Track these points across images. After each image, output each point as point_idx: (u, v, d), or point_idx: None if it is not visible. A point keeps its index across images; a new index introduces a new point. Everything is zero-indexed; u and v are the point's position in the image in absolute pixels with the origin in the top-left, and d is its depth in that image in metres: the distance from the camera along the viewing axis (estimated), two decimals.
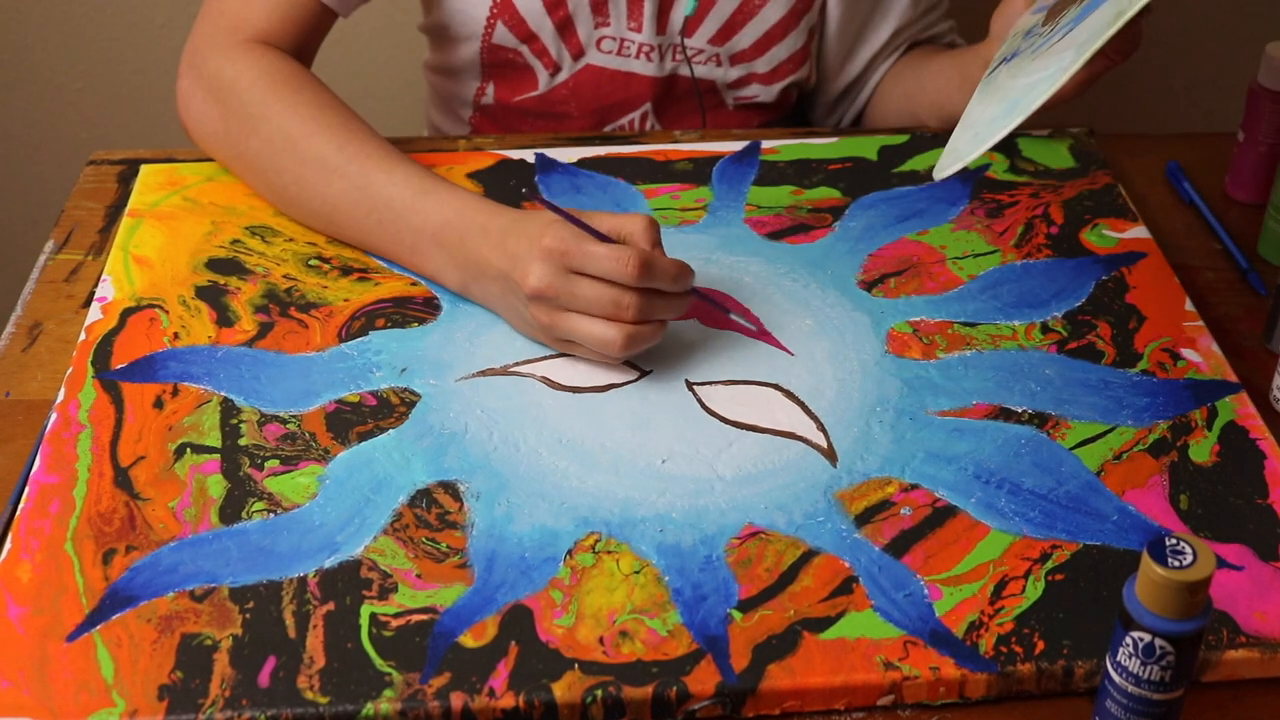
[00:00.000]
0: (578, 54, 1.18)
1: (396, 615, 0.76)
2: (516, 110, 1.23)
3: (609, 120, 1.22)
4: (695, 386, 0.90)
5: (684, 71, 1.19)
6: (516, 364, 0.92)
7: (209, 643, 0.74)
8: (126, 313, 0.95)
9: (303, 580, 0.77)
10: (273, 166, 1.01)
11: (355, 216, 0.98)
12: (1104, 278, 1.00)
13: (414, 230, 0.96)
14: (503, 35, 1.16)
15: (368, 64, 1.77)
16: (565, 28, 1.16)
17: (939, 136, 1.13)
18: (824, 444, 0.86)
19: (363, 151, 0.99)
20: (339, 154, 0.99)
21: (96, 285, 0.98)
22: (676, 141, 1.15)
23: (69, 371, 0.90)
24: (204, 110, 1.04)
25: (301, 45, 1.09)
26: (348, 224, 0.99)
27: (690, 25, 1.17)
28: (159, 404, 0.88)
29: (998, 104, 0.89)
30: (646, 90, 1.20)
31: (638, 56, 1.18)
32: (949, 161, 0.94)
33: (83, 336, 0.93)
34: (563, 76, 1.19)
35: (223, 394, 0.89)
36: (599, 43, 1.17)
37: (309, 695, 0.72)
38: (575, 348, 0.90)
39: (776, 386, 0.90)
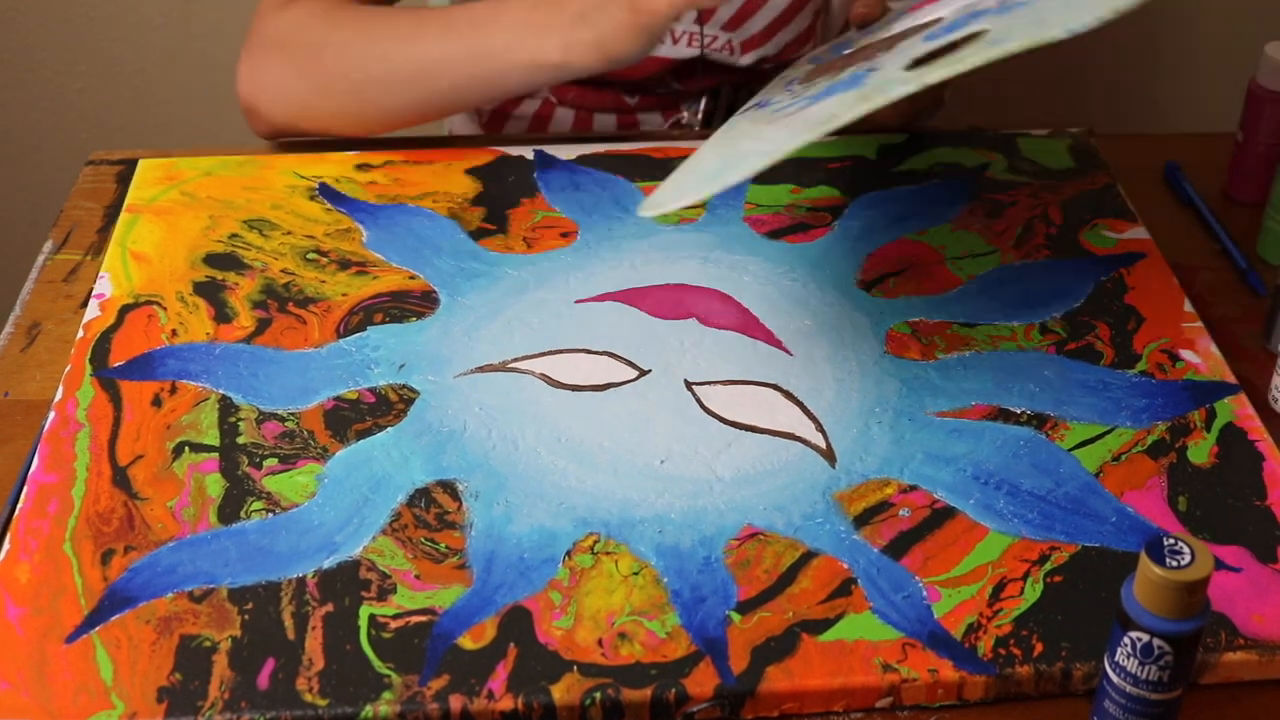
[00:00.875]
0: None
1: (395, 617, 0.76)
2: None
3: (638, 90, 1.23)
4: (694, 386, 0.90)
5: (695, 55, 1.20)
6: (515, 360, 0.92)
7: (208, 644, 0.74)
8: (124, 309, 0.95)
9: (301, 581, 0.77)
10: (354, 64, 1.03)
11: (445, 53, 1.02)
12: (1103, 278, 1.00)
13: (506, 27, 1.00)
14: None
15: None
16: None
17: (940, 135, 1.13)
18: (823, 445, 0.86)
19: (429, 12, 1.03)
20: (411, 18, 1.03)
21: (95, 284, 0.98)
22: (676, 139, 1.15)
23: (67, 369, 0.90)
24: (269, 68, 1.06)
25: None
26: (440, 65, 1.02)
27: (705, 11, 1.17)
28: (157, 402, 0.88)
29: (718, 158, 0.86)
30: (668, 71, 1.21)
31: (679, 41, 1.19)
32: (654, 201, 0.86)
33: (81, 334, 0.93)
34: None
35: (221, 391, 0.89)
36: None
37: (308, 697, 0.72)
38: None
39: (775, 387, 0.90)
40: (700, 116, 1.26)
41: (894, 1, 1.09)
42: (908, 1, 1.07)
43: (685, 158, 1.10)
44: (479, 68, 1.02)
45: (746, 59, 1.21)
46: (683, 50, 1.20)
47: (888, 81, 0.79)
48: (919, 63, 0.82)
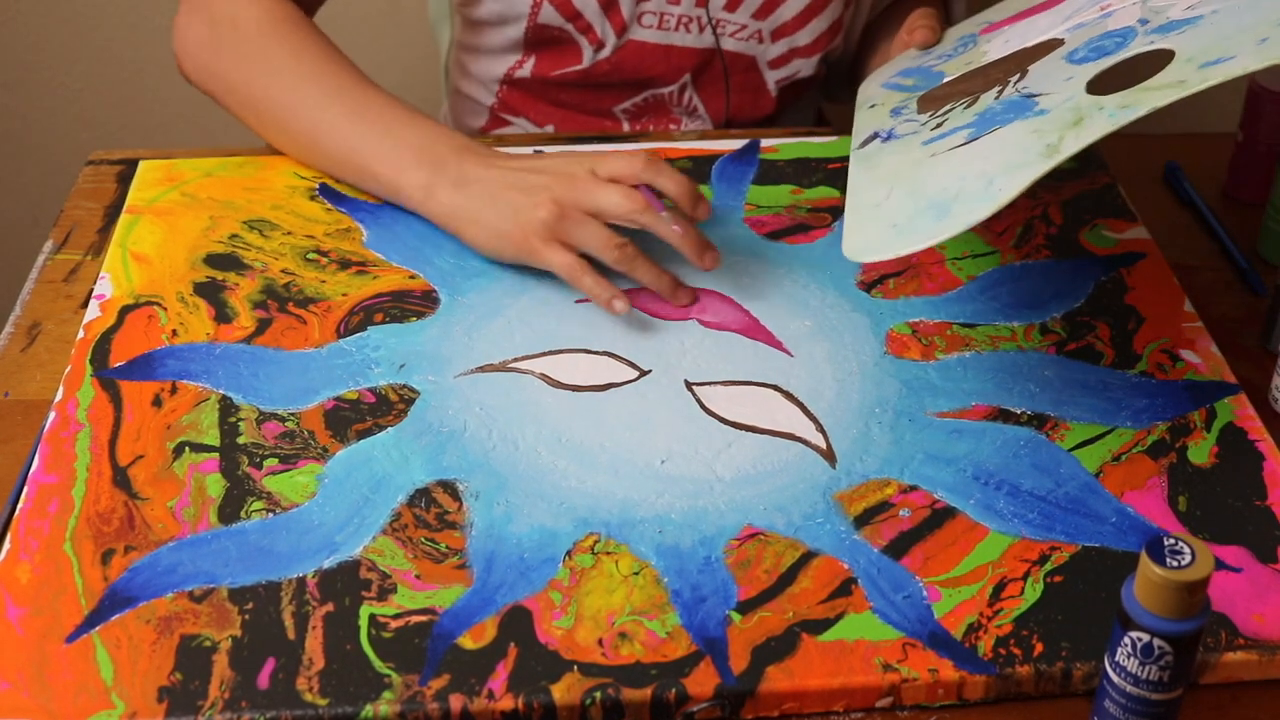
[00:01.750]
0: (621, 30, 1.18)
1: (395, 616, 0.76)
2: (554, 83, 1.23)
3: (647, 89, 1.23)
4: (694, 387, 0.90)
5: (724, 45, 1.20)
6: (515, 359, 0.92)
7: (208, 644, 0.74)
8: (125, 310, 0.95)
9: (302, 581, 0.77)
10: (262, 95, 1.06)
11: (335, 135, 1.03)
12: (1103, 278, 1.00)
13: (396, 141, 1.01)
14: (549, 15, 1.17)
15: (376, 40, 1.77)
16: (609, 4, 1.16)
17: None
18: (823, 445, 0.86)
19: (348, 78, 1.05)
20: (335, 81, 1.04)
21: (95, 284, 0.98)
22: (676, 140, 1.15)
23: (67, 370, 0.90)
24: (200, 41, 1.09)
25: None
26: (321, 143, 1.04)
27: (732, 0, 1.17)
28: (157, 402, 0.88)
29: (906, 195, 0.85)
30: (688, 62, 1.21)
31: (677, 29, 1.18)
32: (863, 245, 0.85)
33: (81, 334, 0.93)
34: (606, 52, 1.19)
35: (221, 392, 0.89)
36: (640, 18, 1.17)
37: (308, 697, 0.72)
38: (582, 228, 0.94)
39: (776, 387, 0.90)
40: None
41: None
42: (965, 25, 1.08)
43: (685, 156, 1.11)
44: (349, 162, 1.04)
45: (776, 48, 1.21)
46: (704, 39, 1.19)
47: (1089, 106, 0.80)
48: (1094, 87, 0.82)
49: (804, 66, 1.23)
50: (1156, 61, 0.81)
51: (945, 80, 0.99)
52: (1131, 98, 0.78)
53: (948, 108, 0.92)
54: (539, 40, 1.20)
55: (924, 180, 0.84)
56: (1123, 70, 0.83)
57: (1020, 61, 0.93)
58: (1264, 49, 0.76)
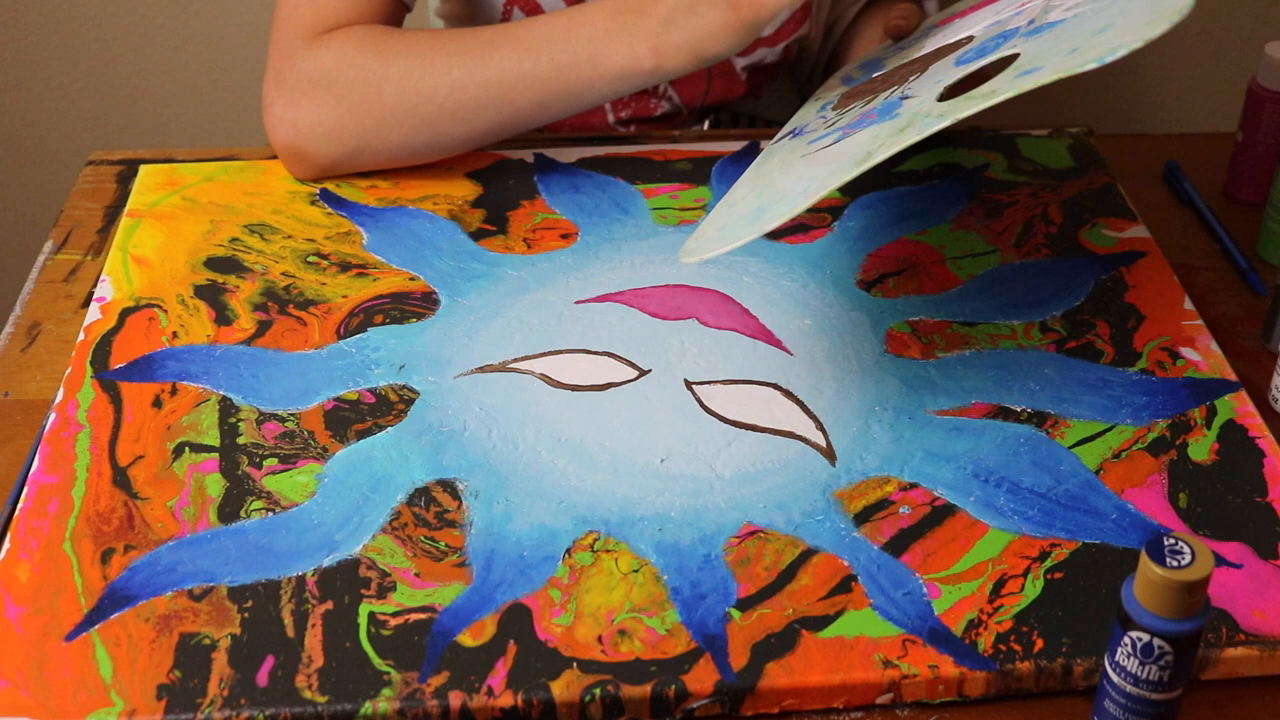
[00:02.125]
0: None
1: (395, 614, 0.76)
2: None
3: None
4: (694, 386, 0.90)
5: None
6: (515, 360, 0.92)
7: (207, 642, 0.74)
8: (125, 312, 0.95)
9: (301, 579, 0.77)
10: (421, 97, 1.00)
11: (524, 73, 0.99)
12: (1103, 277, 1.00)
13: (588, 39, 0.98)
14: (519, 19, 1.16)
15: None
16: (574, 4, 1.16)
17: (939, 136, 1.13)
18: (823, 443, 0.86)
19: (489, 30, 1.00)
20: (475, 40, 0.99)
21: (95, 285, 0.98)
22: (676, 141, 1.15)
23: (68, 371, 0.90)
24: (316, 111, 1.01)
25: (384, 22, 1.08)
26: (518, 87, 0.99)
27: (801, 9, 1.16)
28: (158, 403, 0.88)
29: (756, 197, 0.85)
30: None
31: None
32: (695, 247, 0.84)
33: (81, 336, 0.93)
34: None
35: (221, 393, 0.89)
36: None
37: (307, 694, 0.72)
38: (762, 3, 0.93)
39: (775, 386, 0.90)
40: (707, 126, 1.26)
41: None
42: (939, 12, 1.08)
43: (684, 157, 1.11)
44: (565, 83, 0.99)
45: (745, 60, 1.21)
46: None
47: (920, 115, 0.79)
48: (952, 90, 0.82)
49: (768, 54, 1.22)
50: (1005, 66, 0.81)
51: (878, 74, 0.99)
52: (950, 106, 0.78)
53: (851, 106, 0.92)
54: None
55: (773, 183, 0.84)
56: (980, 77, 0.84)
57: (928, 60, 0.93)
58: (1067, 59, 0.75)
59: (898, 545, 0.80)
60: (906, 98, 0.85)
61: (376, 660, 0.73)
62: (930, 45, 0.98)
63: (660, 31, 0.97)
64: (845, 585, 0.77)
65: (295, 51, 1.02)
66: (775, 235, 1.03)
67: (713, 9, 0.95)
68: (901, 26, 1.05)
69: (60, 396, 0.88)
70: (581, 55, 0.98)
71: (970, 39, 0.92)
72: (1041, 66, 0.76)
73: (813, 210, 1.06)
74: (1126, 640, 0.67)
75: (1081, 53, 0.75)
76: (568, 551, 0.79)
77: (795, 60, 1.33)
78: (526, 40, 0.99)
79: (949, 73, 0.85)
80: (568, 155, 1.11)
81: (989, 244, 1.03)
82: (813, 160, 0.84)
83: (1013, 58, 0.81)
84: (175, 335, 0.93)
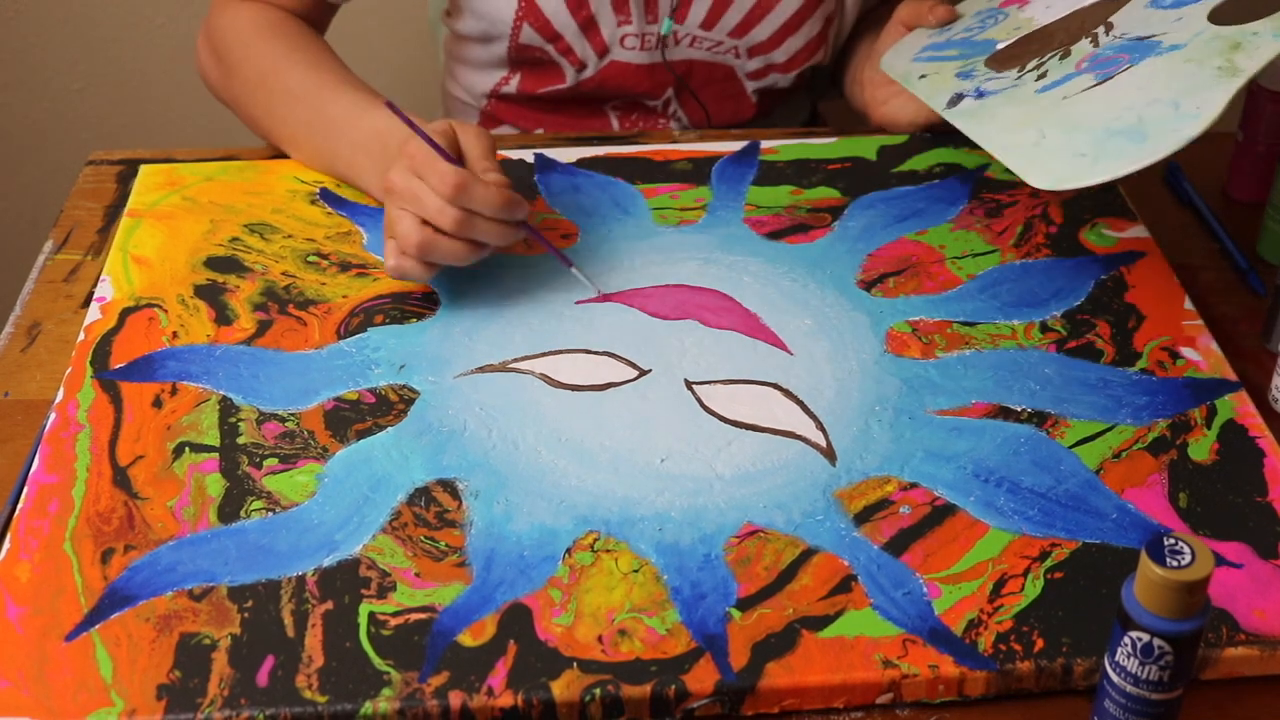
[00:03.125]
0: (602, 52, 1.18)
1: (395, 614, 0.76)
2: (540, 99, 1.24)
3: (634, 106, 1.24)
4: (694, 385, 0.90)
5: (696, 58, 1.21)
6: (515, 360, 0.92)
7: (207, 642, 0.74)
8: (125, 312, 0.95)
9: (301, 579, 0.77)
10: (250, 101, 1.11)
11: (311, 139, 1.07)
12: (1103, 277, 1.00)
13: (350, 144, 1.04)
14: (529, 35, 1.17)
15: (376, 39, 1.77)
16: (589, 27, 1.17)
17: (937, 137, 1.13)
18: (823, 443, 0.86)
19: (322, 80, 1.08)
20: (302, 84, 1.08)
21: (95, 285, 0.98)
22: (675, 141, 1.15)
23: (68, 371, 0.90)
24: (206, 62, 1.16)
25: (306, 14, 1.16)
26: (306, 146, 1.08)
27: (710, 18, 1.18)
28: (158, 403, 0.88)
29: (1067, 131, 0.87)
30: (670, 78, 1.21)
31: (658, 48, 1.19)
32: (1059, 172, 0.86)
33: (81, 336, 0.93)
34: (588, 73, 1.19)
35: (221, 392, 0.89)
36: (622, 40, 1.18)
37: (308, 694, 0.72)
38: (388, 246, 0.94)
39: (776, 386, 0.90)
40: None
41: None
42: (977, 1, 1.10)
43: (684, 157, 1.11)
44: (330, 166, 1.08)
45: (753, 63, 1.21)
46: (685, 52, 1.20)
47: (1237, 34, 0.82)
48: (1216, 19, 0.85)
49: (781, 80, 1.24)
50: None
51: (1003, 43, 1.00)
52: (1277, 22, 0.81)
53: (1035, 63, 0.94)
54: (521, 60, 1.20)
55: (1078, 116, 0.87)
56: (1228, 12, 0.86)
57: (1094, 17, 0.95)
58: None
59: (898, 545, 0.80)
60: (1147, 37, 0.88)
61: (377, 660, 0.73)
62: (1038, 15, 1.02)
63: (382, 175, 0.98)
64: (845, 585, 0.77)
65: (214, 9, 1.16)
66: (775, 235, 1.03)
67: (409, 220, 0.93)
68: (947, 15, 1.12)
69: (60, 396, 0.88)
70: (343, 156, 1.05)
71: None
72: None
73: (813, 210, 1.06)
74: (1126, 640, 0.67)
75: None
76: (568, 551, 0.79)
77: (809, 80, 1.34)
78: (322, 115, 1.06)
79: (1168, 14, 0.88)
80: (568, 155, 1.11)
81: (989, 244, 1.03)
82: (1112, 93, 0.86)
83: None
84: (175, 335, 0.93)
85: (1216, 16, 0.87)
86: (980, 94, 0.95)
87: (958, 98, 0.97)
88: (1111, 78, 0.87)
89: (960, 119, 0.97)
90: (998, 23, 1.06)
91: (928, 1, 1.13)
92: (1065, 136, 0.87)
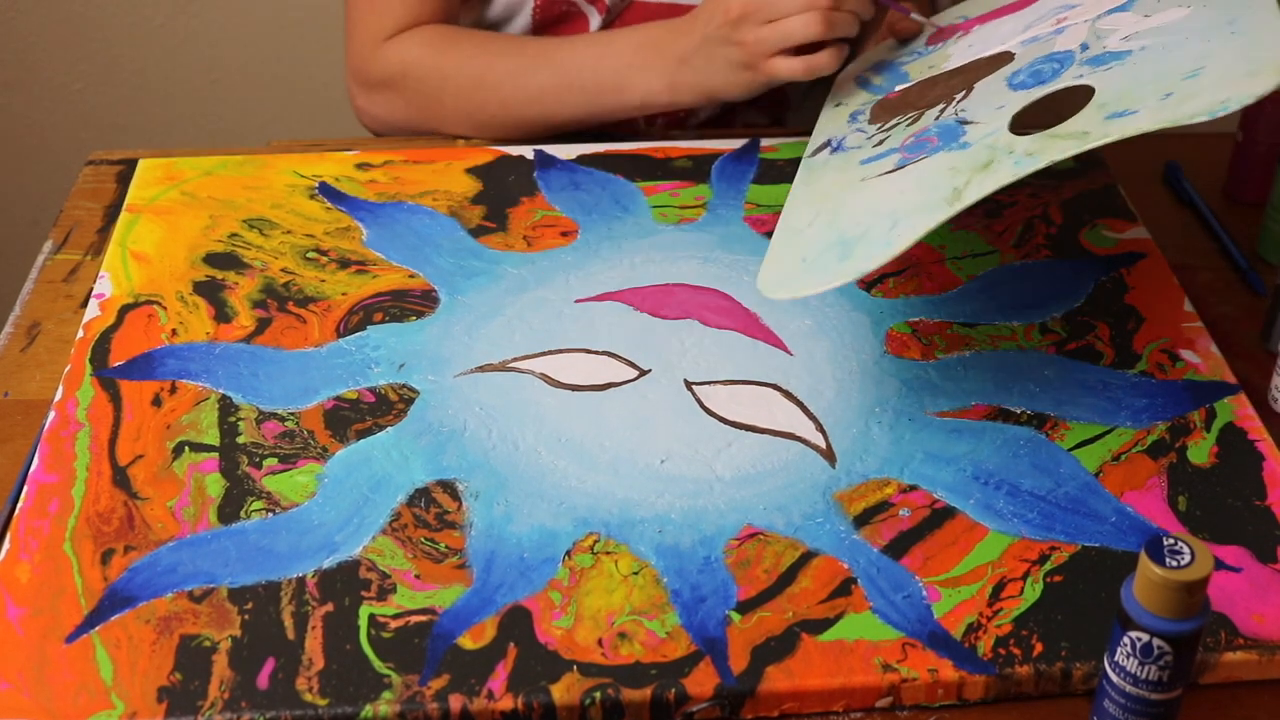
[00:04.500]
0: None
1: (395, 616, 0.76)
2: None
3: None
4: (694, 386, 0.90)
5: None
6: (515, 359, 0.92)
7: (208, 644, 0.74)
8: (124, 309, 0.95)
9: (301, 581, 0.77)
10: (475, 107, 1.12)
11: (561, 94, 1.10)
12: (1103, 278, 1.00)
13: (614, 72, 1.08)
14: None
15: None
16: None
17: None
18: (823, 445, 0.86)
19: (535, 47, 1.11)
20: (521, 59, 1.11)
21: (95, 284, 0.98)
22: (675, 139, 1.15)
23: (67, 369, 0.90)
24: (389, 108, 1.16)
25: (441, 18, 1.17)
26: (560, 108, 1.11)
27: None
28: (157, 402, 0.88)
29: (828, 226, 0.85)
30: None
31: None
32: (777, 279, 0.85)
33: (81, 333, 0.93)
34: (613, 16, 1.18)
35: (221, 391, 0.89)
36: None
37: (308, 697, 0.72)
38: (781, 64, 1.00)
39: (775, 387, 0.90)
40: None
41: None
42: (942, 16, 1.08)
43: (684, 155, 1.11)
44: (596, 105, 1.10)
45: None
46: None
47: (1003, 151, 0.80)
48: (1019, 120, 0.83)
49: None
50: (1079, 98, 0.82)
51: (903, 85, 0.99)
52: (1038, 144, 0.79)
53: (895, 121, 0.92)
54: (546, 21, 1.19)
55: (844, 210, 0.85)
56: (1045, 103, 0.84)
57: (969, 76, 0.93)
58: (1164, 106, 0.76)
59: (897, 548, 0.80)
60: (967, 122, 0.86)
61: (377, 663, 0.73)
62: (957, 55, 0.98)
63: (675, 70, 1.06)
64: (845, 588, 0.77)
65: (368, 55, 1.15)
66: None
67: (728, 61, 1.03)
68: (913, 28, 1.10)
69: (60, 394, 0.88)
70: (608, 84, 1.09)
71: (1010, 56, 0.92)
72: (1136, 110, 0.77)
73: None
74: (1126, 640, 0.67)
75: (1180, 101, 0.76)
76: (568, 553, 0.79)
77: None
78: (564, 65, 1.10)
79: (1005, 96, 0.86)
80: (567, 152, 1.11)
81: (989, 244, 1.02)
82: (882, 188, 0.84)
83: (1083, 90, 0.82)
84: (174, 333, 0.93)
85: (1020, 117, 0.84)
86: (837, 148, 0.94)
87: (824, 144, 0.97)
88: (905, 166, 0.85)
89: (801, 173, 0.95)
90: (929, 52, 1.04)
91: (903, 10, 1.11)
92: (819, 231, 0.85)
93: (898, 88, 0.99)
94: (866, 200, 0.84)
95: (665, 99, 1.08)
